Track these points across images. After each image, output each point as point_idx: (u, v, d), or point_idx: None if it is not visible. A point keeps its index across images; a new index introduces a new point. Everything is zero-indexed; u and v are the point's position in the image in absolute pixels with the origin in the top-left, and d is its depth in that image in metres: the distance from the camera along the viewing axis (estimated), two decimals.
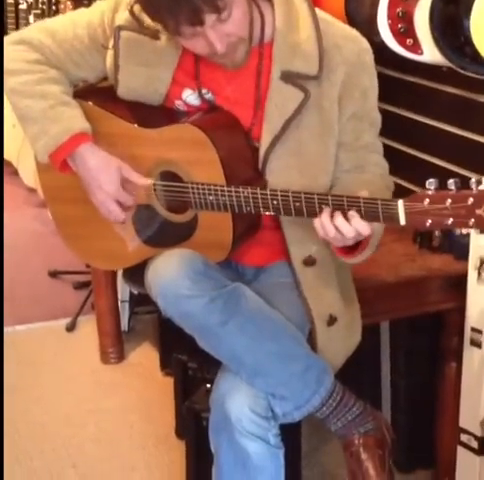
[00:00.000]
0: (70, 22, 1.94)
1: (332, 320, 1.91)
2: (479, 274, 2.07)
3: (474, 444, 2.13)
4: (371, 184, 1.82)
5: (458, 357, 2.18)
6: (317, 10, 1.83)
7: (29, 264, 3.80)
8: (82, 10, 1.99)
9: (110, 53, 1.90)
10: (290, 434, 1.93)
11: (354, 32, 1.86)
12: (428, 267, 2.26)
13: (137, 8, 1.81)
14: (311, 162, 1.84)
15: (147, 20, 1.81)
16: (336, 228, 1.67)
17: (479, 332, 2.09)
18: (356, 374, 2.28)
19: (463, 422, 2.16)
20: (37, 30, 1.96)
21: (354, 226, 1.65)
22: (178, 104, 1.92)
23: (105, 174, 1.87)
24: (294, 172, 1.83)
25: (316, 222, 1.69)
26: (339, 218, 1.66)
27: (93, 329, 3.14)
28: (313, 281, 1.90)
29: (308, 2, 1.80)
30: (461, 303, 2.13)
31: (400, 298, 2.22)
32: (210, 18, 1.67)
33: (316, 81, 1.79)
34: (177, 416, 2.52)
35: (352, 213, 1.65)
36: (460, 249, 2.20)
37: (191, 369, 2.30)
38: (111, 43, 1.89)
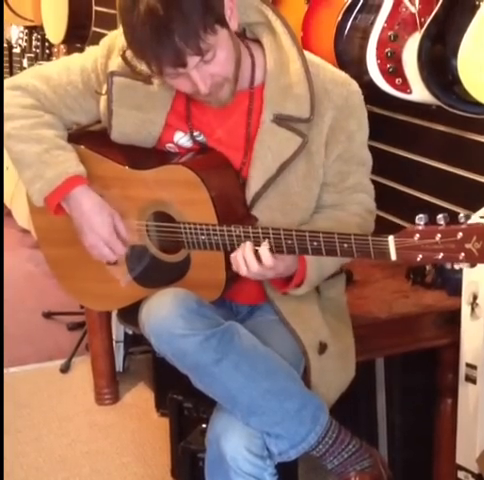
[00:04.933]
0: (64, 68, 1.97)
1: (322, 347, 1.90)
2: (472, 310, 2.08)
3: None
4: (341, 221, 1.84)
5: (454, 393, 2.18)
6: (306, 53, 1.85)
7: (23, 305, 3.79)
8: (76, 55, 2.02)
9: (103, 98, 1.92)
10: (287, 473, 1.92)
11: (343, 75, 1.88)
12: (421, 303, 2.26)
13: (129, 54, 1.83)
14: (295, 203, 1.86)
15: (139, 65, 1.83)
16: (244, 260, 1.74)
17: (474, 368, 2.09)
18: (352, 411, 2.28)
19: (460, 459, 2.15)
20: (32, 76, 1.99)
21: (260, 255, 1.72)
22: (169, 147, 1.94)
23: (98, 218, 1.88)
24: (277, 213, 1.86)
25: (238, 260, 1.75)
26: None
27: (88, 370, 3.12)
28: (296, 309, 1.90)
29: (297, 46, 1.82)
30: (455, 339, 2.14)
31: (394, 335, 2.22)
32: (193, 60, 1.68)
33: (307, 124, 1.81)
34: (173, 457, 2.50)
35: (264, 243, 1.72)
36: (453, 285, 2.21)
37: (186, 409, 2.29)
38: (104, 89, 1.91)
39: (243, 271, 1.76)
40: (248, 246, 1.74)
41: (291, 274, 1.82)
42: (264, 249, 1.73)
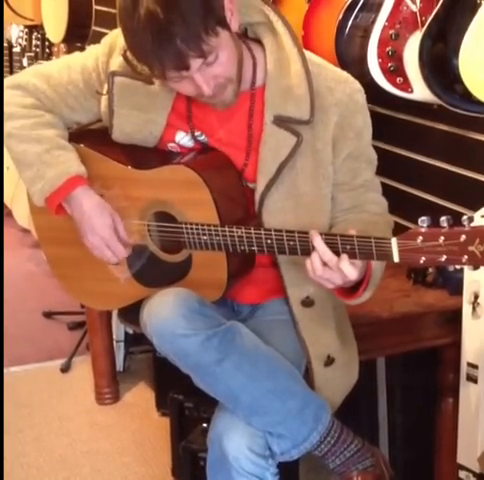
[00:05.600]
0: (65, 66, 1.96)
1: (330, 360, 1.91)
2: (473, 309, 2.08)
3: None
4: (371, 223, 1.82)
5: (455, 392, 2.18)
6: (308, 53, 1.85)
7: (23, 305, 3.79)
8: (77, 54, 2.01)
9: (104, 98, 1.91)
10: (288, 473, 1.92)
11: (345, 74, 1.87)
12: (423, 303, 2.26)
13: (130, 53, 1.82)
14: (306, 204, 1.85)
15: (140, 65, 1.82)
16: (324, 265, 1.67)
17: (475, 367, 2.09)
18: (353, 411, 2.27)
19: (461, 458, 2.15)
20: (32, 75, 1.98)
21: (341, 267, 1.66)
22: (171, 146, 1.94)
23: (99, 219, 1.88)
24: (290, 215, 1.84)
25: (307, 261, 1.70)
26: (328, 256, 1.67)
27: (88, 370, 3.12)
28: (311, 322, 1.90)
29: (298, 47, 1.82)
30: (456, 338, 2.14)
31: (395, 334, 2.22)
32: (196, 63, 1.67)
33: (308, 125, 1.80)
34: (173, 456, 2.50)
35: (343, 256, 1.66)
36: (454, 284, 2.21)
37: (187, 409, 2.29)
38: (105, 89, 1.91)
39: (310, 273, 1.70)
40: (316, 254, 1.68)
41: (357, 281, 1.74)
42: (345, 264, 1.66)
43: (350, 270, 1.66)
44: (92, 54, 1.95)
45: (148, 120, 1.89)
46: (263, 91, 1.83)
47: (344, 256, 1.66)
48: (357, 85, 1.86)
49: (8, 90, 1.95)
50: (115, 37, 1.89)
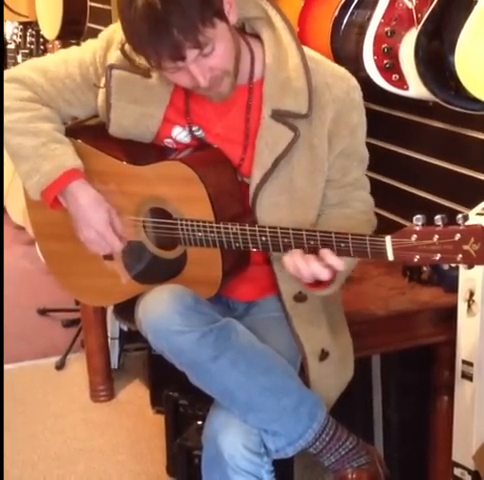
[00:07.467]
0: (62, 60, 1.96)
1: (324, 355, 1.91)
2: (469, 306, 2.08)
3: (467, 478, 2.12)
4: (352, 218, 1.84)
5: (450, 390, 2.18)
6: (305, 48, 1.85)
7: (17, 302, 3.78)
8: (73, 48, 2.01)
9: (102, 92, 1.91)
10: (283, 470, 1.92)
11: (342, 70, 1.87)
12: (418, 300, 2.26)
13: (128, 47, 1.82)
14: (301, 199, 1.85)
15: (138, 59, 1.82)
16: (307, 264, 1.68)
17: (470, 365, 2.09)
18: (348, 409, 2.27)
19: (456, 456, 2.15)
20: (29, 68, 1.97)
21: (328, 262, 1.66)
22: (168, 142, 1.93)
23: (95, 212, 1.87)
24: (284, 209, 1.84)
25: (287, 260, 1.70)
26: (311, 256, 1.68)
27: (83, 367, 3.12)
28: (304, 317, 1.90)
29: (296, 41, 1.82)
30: (452, 336, 2.14)
31: (390, 332, 2.22)
32: (192, 53, 1.68)
33: (306, 119, 1.80)
34: (168, 454, 2.50)
35: (325, 250, 1.66)
36: (449, 282, 2.21)
37: (182, 406, 2.29)
38: (103, 82, 1.90)
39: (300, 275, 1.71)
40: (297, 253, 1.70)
41: None
42: (331, 258, 1.66)
43: (339, 262, 1.67)
44: (90, 48, 1.94)
45: (145, 114, 1.89)
46: (261, 85, 1.83)
47: (326, 251, 1.66)
48: (354, 82, 1.87)
49: (4, 83, 1.94)
50: (112, 32, 1.89)
